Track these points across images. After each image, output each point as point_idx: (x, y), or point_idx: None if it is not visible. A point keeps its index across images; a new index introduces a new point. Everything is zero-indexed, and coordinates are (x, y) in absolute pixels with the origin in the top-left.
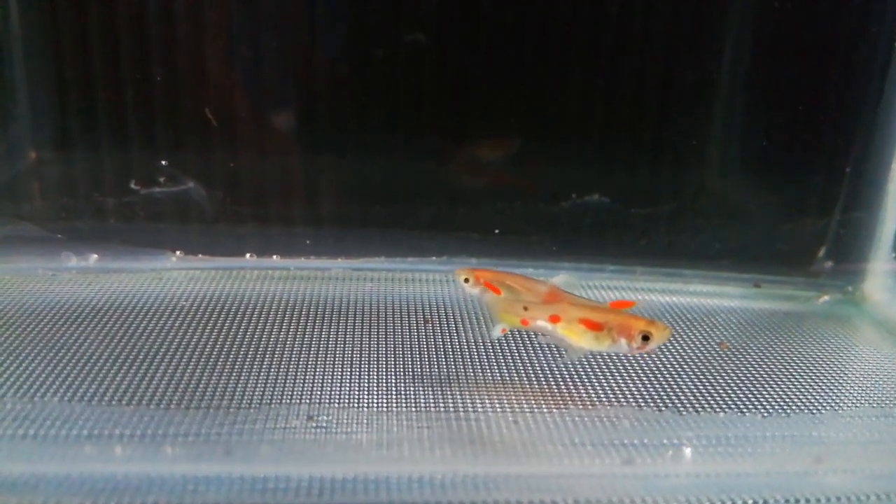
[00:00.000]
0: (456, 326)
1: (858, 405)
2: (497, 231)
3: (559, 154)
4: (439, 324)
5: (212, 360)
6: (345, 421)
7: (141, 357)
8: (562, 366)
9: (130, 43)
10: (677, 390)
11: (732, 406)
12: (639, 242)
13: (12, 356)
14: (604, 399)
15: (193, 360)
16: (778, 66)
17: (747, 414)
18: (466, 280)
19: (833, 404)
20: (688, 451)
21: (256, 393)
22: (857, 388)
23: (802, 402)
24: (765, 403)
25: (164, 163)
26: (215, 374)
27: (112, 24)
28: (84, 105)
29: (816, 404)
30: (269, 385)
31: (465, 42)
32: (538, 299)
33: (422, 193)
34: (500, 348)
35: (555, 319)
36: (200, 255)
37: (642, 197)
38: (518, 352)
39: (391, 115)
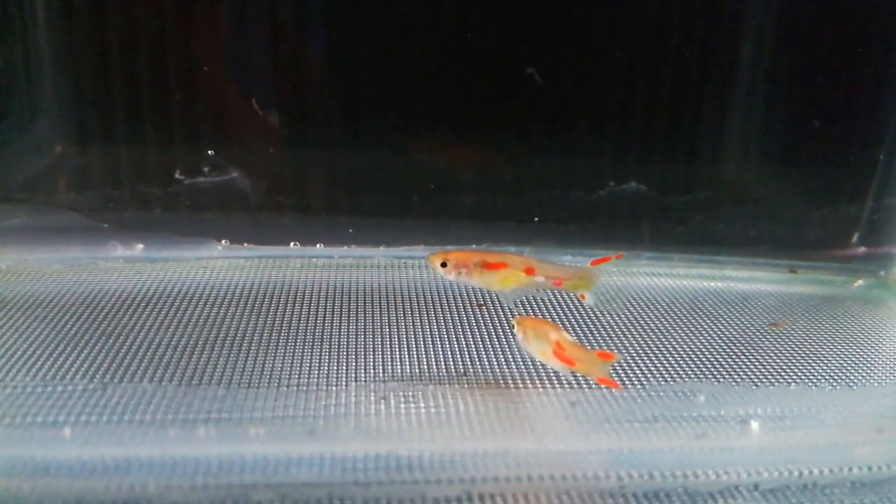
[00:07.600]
0: (504, 310)
1: None
2: (536, 219)
3: (596, 143)
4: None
5: (272, 344)
6: (412, 400)
7: (201, 343)
8: (628, 345)
9: (175, 33)
10: (741, 365)
11: (797, 380)
12: (675, 230)
13: (73, 342)
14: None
15: (254, 344)
16: (812, 55)
17: (814, 388)
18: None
19: (886, 378)
20: (755, 424)
21: (323, 373)
22: None
23: (862, 374)
24: (826, 376)
25: (210, 153)
26: (278, 357)
27: (157, 12)
28: (129, 96)
29: (874, 378)
30: (333, 366)
31: (500, 30)
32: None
33: (461, 183)
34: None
35: None
36: (245, 244)
37: (679, 185)
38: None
39: (430, 110)
